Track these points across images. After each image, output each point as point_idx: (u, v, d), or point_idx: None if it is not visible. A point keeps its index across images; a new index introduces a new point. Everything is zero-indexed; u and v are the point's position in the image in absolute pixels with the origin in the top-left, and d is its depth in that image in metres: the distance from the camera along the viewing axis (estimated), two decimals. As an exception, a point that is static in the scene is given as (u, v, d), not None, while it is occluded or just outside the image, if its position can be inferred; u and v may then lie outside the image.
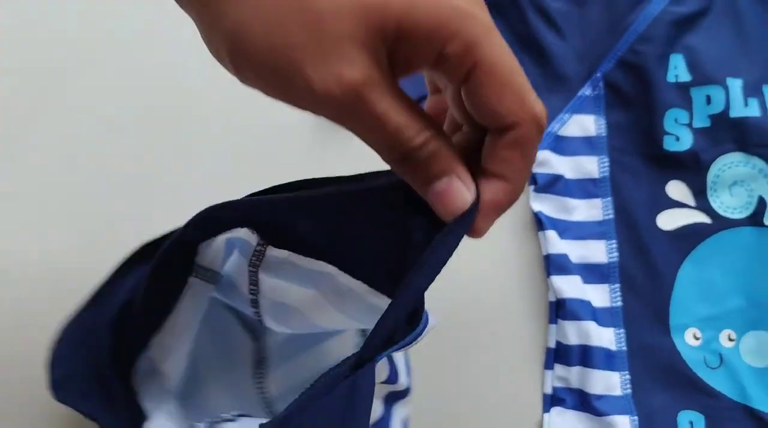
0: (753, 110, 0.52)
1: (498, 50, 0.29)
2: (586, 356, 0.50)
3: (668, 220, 0.52)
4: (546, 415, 0.50)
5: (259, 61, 0.26)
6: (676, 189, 0.53)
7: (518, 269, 0.53)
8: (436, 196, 0.29)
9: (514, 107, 0.28)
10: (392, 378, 0.40)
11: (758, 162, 0.51)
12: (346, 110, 0.27)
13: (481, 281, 0.52)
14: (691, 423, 0.50)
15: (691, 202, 0.52)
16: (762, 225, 0.51)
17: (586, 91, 0.53)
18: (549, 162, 0.52)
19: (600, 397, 0.49)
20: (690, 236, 0.52)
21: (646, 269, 0.52)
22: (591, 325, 0.50)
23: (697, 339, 0.51)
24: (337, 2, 0.25)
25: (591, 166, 0.53)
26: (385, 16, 0.26)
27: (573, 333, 0.50)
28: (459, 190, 0.29)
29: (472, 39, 0.27)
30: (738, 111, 0.52)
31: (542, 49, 0.54)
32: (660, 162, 0.53)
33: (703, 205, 0.52)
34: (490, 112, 0.28)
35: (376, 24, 0.26)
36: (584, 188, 0.53)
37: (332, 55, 0.26)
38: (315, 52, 0.26)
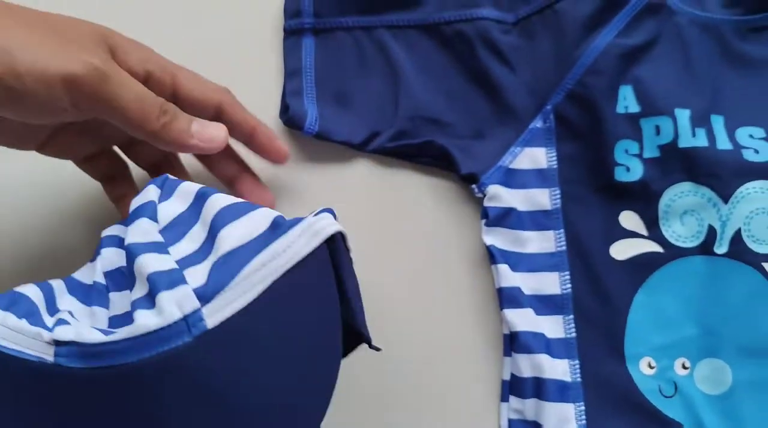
0: (701, 140, 0.52)
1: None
2: (540, 388, 0.50)
3: (621, 250, 0.53)
4: (502, 450, 0.50)
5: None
6: (629, 219, 0.53)
7: (473, 303, 0.53)
8: (198, 136, 0.44)
9: (210, 93, 0.47)
10: None
11: (707, 191, 0.52)
12: (96, 87, 0.38)
13: (436, 316, 0.53)
14: (647, 452, 0.50)
15: (644, 231, 0.53)
16: (712, 253, 0.52)
17: (537, 123, 0.54)
18: (499, 196, 0.52)
19: (555, 430, 0.50)
20: (643, 266, 0.52)
21: (600, 299, 0.52)
22: (543, 358, 0.50)
23: (651, 368, 0.52)
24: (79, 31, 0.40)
25: (543, 199, 0.53)
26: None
27: (526, 365, 0.50)
28: (210, 125, 0.45)
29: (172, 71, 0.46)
30: (686, 141, 0.52)
31: (492, 83, 0.54)
32: (612, 193, 0.53)
33: (655, 234, 0.53)
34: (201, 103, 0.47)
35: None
36: (536, 220, 0.53)
37: (76, 50, 0.38)
38: (63, 49, 0.38)
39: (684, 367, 0.51)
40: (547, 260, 0.53)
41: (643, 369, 0.51)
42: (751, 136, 0.53)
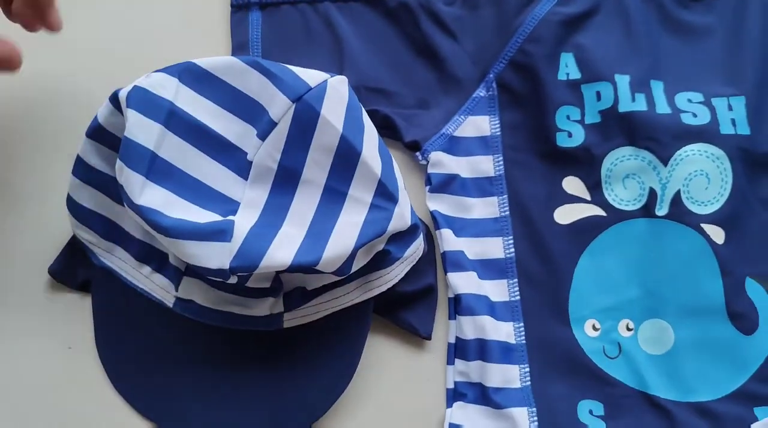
0: (640, 105, 0.53)
1: None
2: (484, 350, 0.51)
3: (565, 215, 0.54)
4: (448, 410, 0.51)
5: None
6: (572, 184, 0.54)
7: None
8: None
9: None
10: None
11: (647, 154, 0.53)
12: None
13: None
14: (591, 411, 0.50)
15: (587, 196, 0.54)
16: (654, 216, 0.52)
17: (481, 92, 0.55)
18: (442, 162, 0.53)
19: (498, 390, 0.50)
20: (587, 229, 0.53)
21: (544, 263, 0.53)
22: (486, 319, 0.51)
23: (596, 329, 0.52)
24: None
25: (486, 165, 0.54)
26: None
27: (470, 327, 0.51)
28: None
29: None
30: (626, 106, 0.53)
31: (436, 53, 0.55)
32: (554, 158, 0.54)
33: (598, 198, 0.53)
34: None
35: None
36: (480, 187, 0.54)
37: None
38: None
39: (628, 328, 0.52)
40: (491, 225, 0.53)
41: (588, 331, 0.52)
42: (689, 101, 0.54)
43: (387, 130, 0.54)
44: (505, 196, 0.54)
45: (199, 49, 0.56)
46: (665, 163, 0.53)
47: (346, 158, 0.45)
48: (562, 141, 0.54)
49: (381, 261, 0.48)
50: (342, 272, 0.46)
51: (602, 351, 0.52)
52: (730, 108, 0.53)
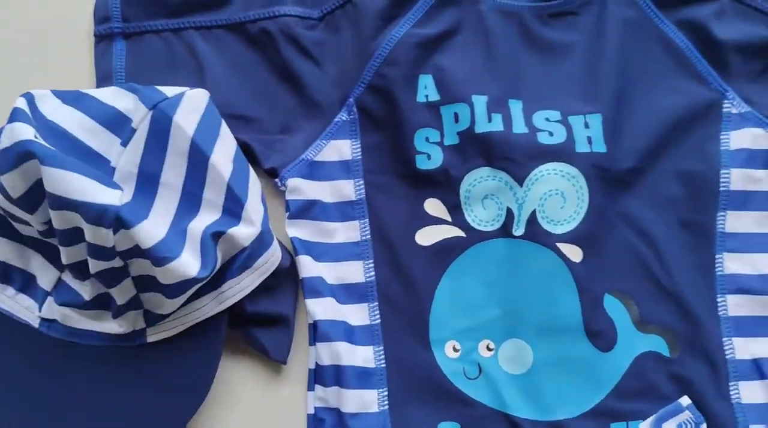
0: (496, 125, 0.53)
1: None
2: (340, 376, 0.51)
3: (426, 237, 0.54)
4: (307, 436, 0.52)
5: None
6: (433, 205, 0.54)
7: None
8: None
9: None
10: None
11: (503, 175, 0.53)
12: None
13: None
14: (450, 433, 0.51)
15: (448, 217, 0.54)
16: (511, 235, 0.53)
17: (342, 116, 0.55)
18: (300, 189, 0.53)
19: (355, 415, 0.51)
20: (447, 251, 0.54)
21: (405, 286, 0.53)
22: (342, 346, 0.51)
23: (456, 351, 0.53)
24: None
25: (348, 189, 0.54)
26: None
27: (326, 354, 0.52)
28: None
29: None
30: (482, 127, 0.53)
31: (298, 78, 0.55)
32: (415, 181, 0.54)
33: (458, 219, 0.54)
34: None
35: None
36: (342, 211, 0.54)
37: None
38: None
39: (488, 349, 0.52)
40: (352, 249, 0.54)
41: (448, 352, 0.52)
42: (547, 119, 0.54)
43: (247, 156, 0.54)
44: (367, 219, 0.54)
45: (64, 80, 0.57)
46: (521, 183, 0.53)
47: (198, 162, 0.49)
48: (422, 163, 0.54)
49: (231, 268, 0.50)
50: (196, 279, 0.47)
51: (462, 372, 0.52)
52: (586, 125, 0.53)
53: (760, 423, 0.50)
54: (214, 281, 0.50)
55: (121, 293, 0.48)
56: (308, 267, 0.53)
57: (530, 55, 0.55)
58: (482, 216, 0.53)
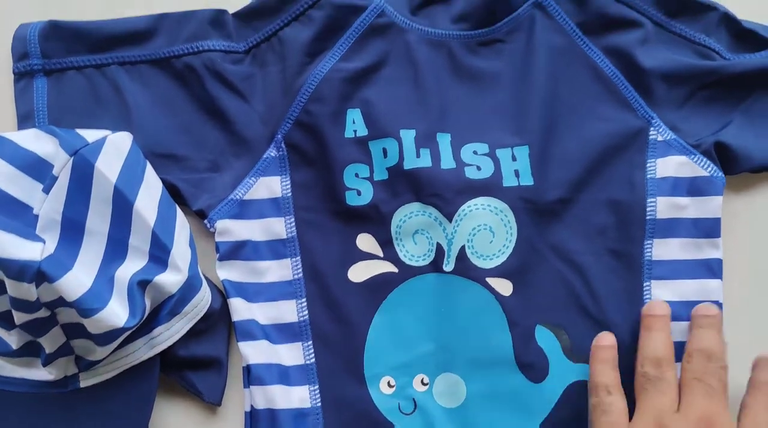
0: (425, 161, 0.53)
1: None
2: (275, 420, 0.51)
3: (359, 272, 0.54)
4: (243, 481, 0.52)
5: None
6: (365, 241, 0.54)
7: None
8: None
9: None
10: None
11: (432, 211, 0.53)
12: None
13: None
14: (381, 471, 0.52)
15: (380, 252, 0.54)
16: (442, 271, 0.53)
17: (271, 152, 0.54)
18: (229, 230, 0.53)
19: (291, 458, 0.51)
20: (380, 286, 0.54)
21: (338, 323, 0.53)
22: (277, 389, 0.52)
23: (391, 386, 0.53)
24: None
25: (279, 227, 0.54)
26: None
27: (260, 397, 0.52)
28: None
29: None
30: (411, 162, 0.53)
31: (224, 114, 0.54)
32: (346, 217, 0.54)
33: (390, 255, 0.54)
34: None
35: None
36: (273, 249, 0.54)
37: None
38: None
39: (423, 383, 0.53)
40: (285, 288, 0.54)
41: (383, 388, 0.53)
42: (474, 152, 0.53)
43: (176, 197, 0.54)
44: (299, 257, 0.54)
45: None
46: (450, 218, 0.53)
47: (122, 209, 0.49)
48: (352, 199, 0.53)
49: (160, 314, 0.50)
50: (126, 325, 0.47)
51: (398, 408, 0.53)
52: (513, 158, 0.53)
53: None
54: (145, 326, 0.49)
55: (51, 341, 0.47)
56: (240, 310, 0.52)
57: (458, 86, 0.55)
58: (413, 252, 0.53)
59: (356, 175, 0.54)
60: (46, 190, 0.48)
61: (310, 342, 0.53)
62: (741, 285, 0.55)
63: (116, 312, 0.46)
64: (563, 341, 0.53)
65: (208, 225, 0.53)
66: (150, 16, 0.56)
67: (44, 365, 0.49)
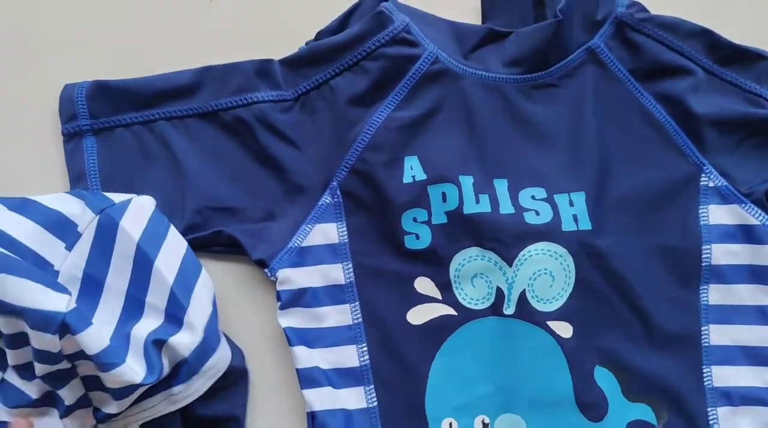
0: (484, 206, 0.54)
1: None
2: (343, 465, 0.52)
3: (418, 315, 0.54)
4: None
5: None
6: (423, 284, 0.54)
7: (282, 381, 0.55)
8: None
9: None
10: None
11: (492, 255, 0.54)
12: None
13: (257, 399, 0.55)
14: None
15: (438, 295, 0.54)
16: (502, 314, 0.54)
17: (326, 199, 0.55)
18: (290, 279, 0.53)
19: (355, 502, 0.52)
20: (439, 329, 0.54)
21: (399, 367, 0.54)
22: (342, 435, 0.52)
23: (453, 428, 0.54)
24: None
25: (337, 273, 0.54)
26: None
27: (327, 445, 0.52)
28: None
29: None
30: (470, 208, 0.54)
31: (278, 163, 0.55)
32: (404, 260, 0.54)
33: (449, 298, 0.54)
34: None
35: None
36: (332, 295, 0.54)
37: None
38: None
39: (484, 424, 0.54)
40: (345, 333, 0.54)
41: (446, 430, 0.54)
42: (533, 197, 0.54)
43: (235, 248, 0.54)
44: (357, 302, 0.54)
45: (34, 182, 0.56)
46: (510, 263, 0.54)
47: (142, 267, 0.50)
48: (411, 243, 0.54)
49: (180, 372, 0.50)
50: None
51: (460, 449, 0.54)
52: (571, 204, 0.54)
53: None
54: (165, 382, 0.49)
55: (70, 393, 0.48)
56: (303, 357, 0.53)
57: (513, 131, 0.56)
58: (472, 295, 0.54)
59: (414, 220, 0.54)
60: (69, 247, 0.49)
61: (372, 386, 0.54)
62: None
63: (134, 369, 0.47)
64: (622, 381, 0.54)
65: (269, 275, 0.54)
66: (193, 70, 0.56)
67: (62, 417, 0.49)
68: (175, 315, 0.49)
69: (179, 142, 0.55)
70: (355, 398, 0.54)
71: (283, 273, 0.53)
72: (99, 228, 0.50)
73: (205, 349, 0.50)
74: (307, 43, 0.57)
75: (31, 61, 0.59)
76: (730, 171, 0.56)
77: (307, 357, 0.53)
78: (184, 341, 0.49)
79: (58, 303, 0.45)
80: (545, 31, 0.56)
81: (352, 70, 0.55)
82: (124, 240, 0.49)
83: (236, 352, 0.54)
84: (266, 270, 0.54)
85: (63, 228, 0.50)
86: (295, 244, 0.54)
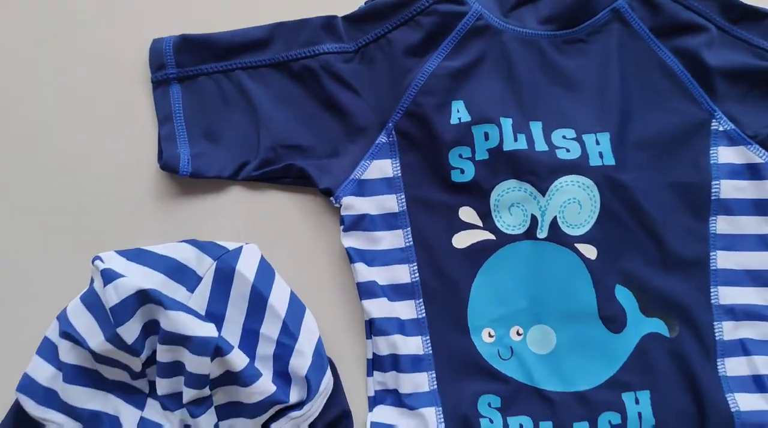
0: (521, 144, 0.62)
1: None
2: (397, 363, 0.61)
3: (461, 240, 0.63)
4: (370, 413, 0.61)
5: None
6: (466, 213, 0.63)
7: (342, 296, 0.63)
8: None
9: None
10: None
11: (528, 187, 0.62)
12: None
13: (313, 309, 0.61)
14: (489, 404, 0.61)
15: (479, 223, 0.62)
16: (536, 238, 0.62)
17: (382, 139, 0.63)
18: (352, 205, 0.62)
19: (410, 395, 0.60)
20: (480, 252, 0.62)
21: (445, 284, 0.62)
22: (397, 338, 0.60)
23: (491, 336, 0.62)
24: None
25: (391, 203, 0.63)
26: None
27: (384, 345, 0.61)
28: None
29: None
30: (509, 145, 0.62)
31: (340, 107, 0.63)
32: (450, 192, 0.63)
33: (489, 225, 0.62)
34: None
35: None
36: (387, 222, 0.63)
37: None
38: None
39: (518, 334, 0.62)
40: (398, 254, 0.62)
41: (484, 338, 0.62)
42: (564, 137, 0.62)
43: (304, 180, 0.63)
44: (409, 228, 0.63)
45: (126, 123, 0.64)
46: (543, 193, 0.61)
47: (257, 303, 0.58)
48: (456, 177, 0.62)
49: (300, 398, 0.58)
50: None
51: (497, 354, 0.62)
52: (597, 142, 0.62)
53: (741, 392, 0.60)
54: (289, 407, 0.58)
55: (206, 420, 0.57)
56: (362, 272, 0.61)
57: (547, 80, 0.64)
58: (510, 222, 0.62)
59: (460, 156, 0.62)
60: (191, 290, 0.58)
61: (422, 300, 0.62)
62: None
63: (268, 382, 0.56)
64: (639, 298, 0.62)
65: (334, 202, 0.62)
66: (267, 25, 0.64)
67: None
68: (286, 344, 0.57)
69: (254, 89, 0.63)
70: (407, 309, 0.62)
71: (347, 201, 0.62)
72: (217, 273, 0.58)
73: (316, 372, 0.58)
74: (366, 2, 0.65)
75: (124, 19, 0.67)
76: (738, 116, 0.63)
77: (366, 273, 0.61)
78: (298, 364, 0.57)
79: (210, 331, 0.54)
80: (575, -8, 0.64)
81: (408, 24, 0.63)
82: (240, 282, 0.58)
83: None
84: (331, 198, 0.62)
85: (181, 274, 0.58)
86: (356, 177, 0.63)
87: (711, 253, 0.62)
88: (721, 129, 0.63)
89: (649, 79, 0.64)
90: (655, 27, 0.64)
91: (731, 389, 0.60)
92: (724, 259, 0.62)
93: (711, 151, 0.63)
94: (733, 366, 0.61)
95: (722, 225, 0.63)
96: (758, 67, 0.63)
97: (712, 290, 0.62)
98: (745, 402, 0.60)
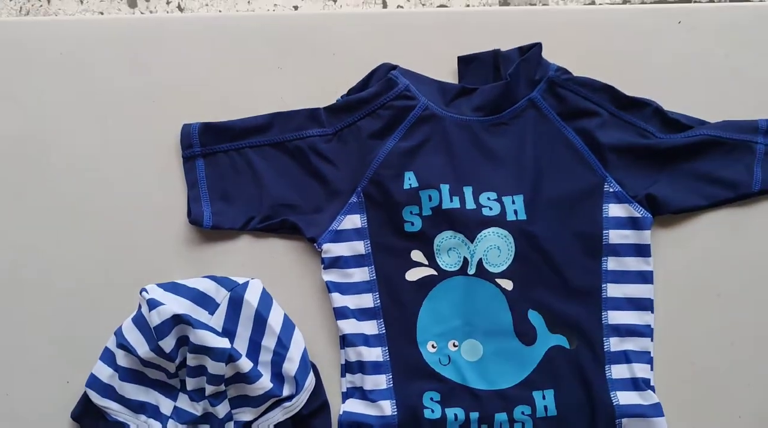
0: (456, 204, 0.81)
1: None
2: (362, 367, 0.81)
3: (413, 275, 0.82)
4: (342, 405, 0.82)
5: None
6: (416, 255, 0.83)
7: (326, 317, 0.84)
8: None
9: None
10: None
11: (461, 236, 0.81)
12: None
13: (303, 328, 0.82)
14: (432, 398, 0.81)
15: (426, 262, 0.82)
16: (467, 274, 0.81)
17: (353, 199, 0.83)
18: (330, 250, 0.82)
19: (372, 391, 0.81)
20: (426, 284, 0.82)
21: (399, 308, 0.82)
22: (363, 348, 0.81)
23: (434, 347, 0.82)
24: None
25: (360, 247, 0.83)
26: None
27: (353, 354, 0.81)
28: None
29: None
30: (447, 204, 0.81)
31: (322, 176, 0.83)
32: (404, 239, 0.82)
33: (433, 264, 0.82)
34: None
35: None
36: (357, 261, 0.83)
37: None
38: None
39: (454, 345, 0.82)
40: (365, 286, 0.83)
41: (429, 349, 0.82)
42: (488, 198, 0.82)
43: (294, 230, 0.83)
44: (373, 266, 0.83)
45: (170, 189, 0.86)
46: (472, 240, 0.81)
47: (260, 322, 0.79)
48: (408, 228, 0.82)
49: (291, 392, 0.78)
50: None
51: (438, 361, 0.82)
52: (513, 202, 0.81)
53: (623, 390, 0.80)
54: (282, 400, 0.78)
55: (222, 408, 0.77)
56: (338, 299, 0.82)
57: (477, 154, 0.83)
58: (448, 262, 0.82)
59: (411, 213, 0.82)
60: (212, 313, 0.78)
61: (382, 320, 0.82)
62: (665, 288, 0.83)
63: (267, 380, 0.76)
64: (547, 320, 0.81)
65: (317, 247, 0.83)
66: (268, 114, 0.85)
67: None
68: (280, 353, 0.77)
69: (258, 162, 0.84)
70: (370, 327, 0.82)
71: (326, 246, 0.82)
72: (231, 300, 0.78)
73: (302, 373, 0.78)
74: (342, 97, 0.85)
75: (159, 111, 0.88)
76: (624, 181, 0.82)
77: (341, 300, 0.82)
78: (289, 367, 0.77)
79: (224, 343, 0.74)
80: (500, 87, 0.83)
81: (372, 115, 0.83)
82: (247, 307, 0.78)
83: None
84: (315, 244, 0.83)
85: (204, 301, 0.78)
86: (334, 228, 0.83)
87: (603, 285, 0.81)
88: (611, 190, 0.82)
89: (556, 152, 0.83)
90: (561, 112, 0.83)
91: (615, 388, 0.80)
92: (612, 290, 0.81)
93: (603, 207, 0.82)
94: (617, 371, 0.80)
95: (611, 263, 0.82)
96: (640, 143, 0.82)
97: (603, 313, 0.81)
98: (624, 398, 0.79)
